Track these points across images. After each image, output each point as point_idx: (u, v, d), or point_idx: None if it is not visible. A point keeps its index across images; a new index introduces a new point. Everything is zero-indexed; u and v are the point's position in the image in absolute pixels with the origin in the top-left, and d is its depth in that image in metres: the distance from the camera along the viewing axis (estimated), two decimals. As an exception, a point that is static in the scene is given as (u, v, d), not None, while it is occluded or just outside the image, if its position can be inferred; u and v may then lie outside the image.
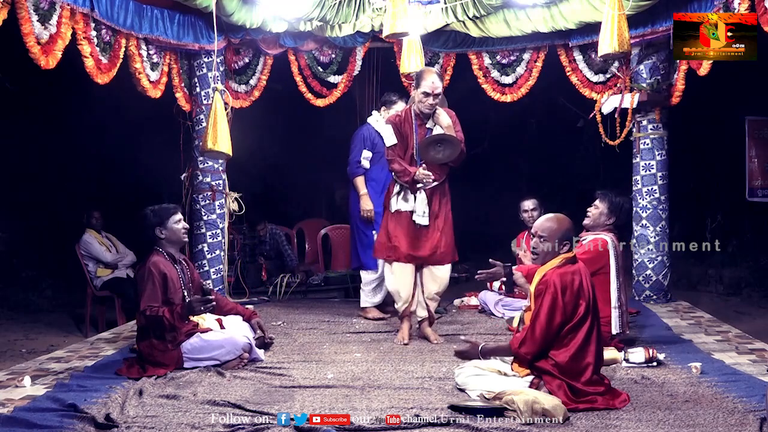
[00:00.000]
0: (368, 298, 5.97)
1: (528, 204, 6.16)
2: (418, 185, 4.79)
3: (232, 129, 5.31)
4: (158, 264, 4.16)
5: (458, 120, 4.92)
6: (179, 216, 4.33)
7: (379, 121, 5.91)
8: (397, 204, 4.91)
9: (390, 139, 4.91)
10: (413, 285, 4.92)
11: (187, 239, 4.45)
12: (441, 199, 4.90)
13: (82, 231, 7.00)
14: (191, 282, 4.39)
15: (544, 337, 3.37)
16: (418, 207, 4.83)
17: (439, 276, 4.94)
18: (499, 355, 3.66)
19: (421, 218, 4.82)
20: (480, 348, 3.67)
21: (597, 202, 4.63)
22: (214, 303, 4.14)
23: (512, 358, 3.58)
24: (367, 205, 5.88)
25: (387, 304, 6.10)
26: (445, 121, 4.82)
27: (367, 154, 5.90)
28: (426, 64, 6.39)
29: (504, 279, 5.71)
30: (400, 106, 5.79)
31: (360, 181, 5.93)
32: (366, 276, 6.00)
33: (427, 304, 4.99)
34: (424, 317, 5.00)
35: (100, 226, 7.10)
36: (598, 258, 4.31)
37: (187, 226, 4.41)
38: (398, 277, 4.90)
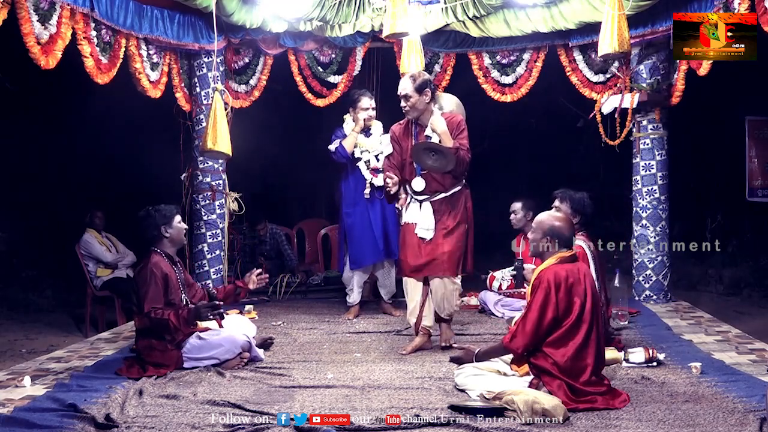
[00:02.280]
0: (347, 298, 6.10)
1: (514, 205, 6.08)
2: (417, 196, 4.64)
3: (232, 129, 5.31)
4: (159, 265, 4.18)
5: (465, 125, 4.63)
6: (180, 216, 4.41)
7: (348, 124, 5.90)
8: (405, 216, 4.74)
9: (387, 148, 4.90)
10: (422, 301, 4.66)
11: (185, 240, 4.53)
12: (450, 211, 4.59)
13: (82, 231, 7.01)
14: (185, 282, 4.41)
15: (535, 331, 3.38)
16: (422, 220, 4.58)
17: (435, 289, 4.60)
18: (494, 356, 3.65)
19: (424, 232, 4.57)
20: (475, 353, 3.68)
21: (557, 203, 4.43)
22: (222, 310, 4.15)
23: (511, 356, 3.58)
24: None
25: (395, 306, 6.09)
26: (439, 127, 4.53)
27: (337, 142, 5.84)
28: (426, 64, 6.39)
29: (514, 273, 5.74)
30: (366, 102, 5.80)
31: (334, 145, 5.81)
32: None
33: (437, 317, 4.71)
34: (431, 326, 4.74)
35: (101, 226, 7.11)
36: None
37: (186, 226, 4.47)
38: (408, 290, 4.72)
